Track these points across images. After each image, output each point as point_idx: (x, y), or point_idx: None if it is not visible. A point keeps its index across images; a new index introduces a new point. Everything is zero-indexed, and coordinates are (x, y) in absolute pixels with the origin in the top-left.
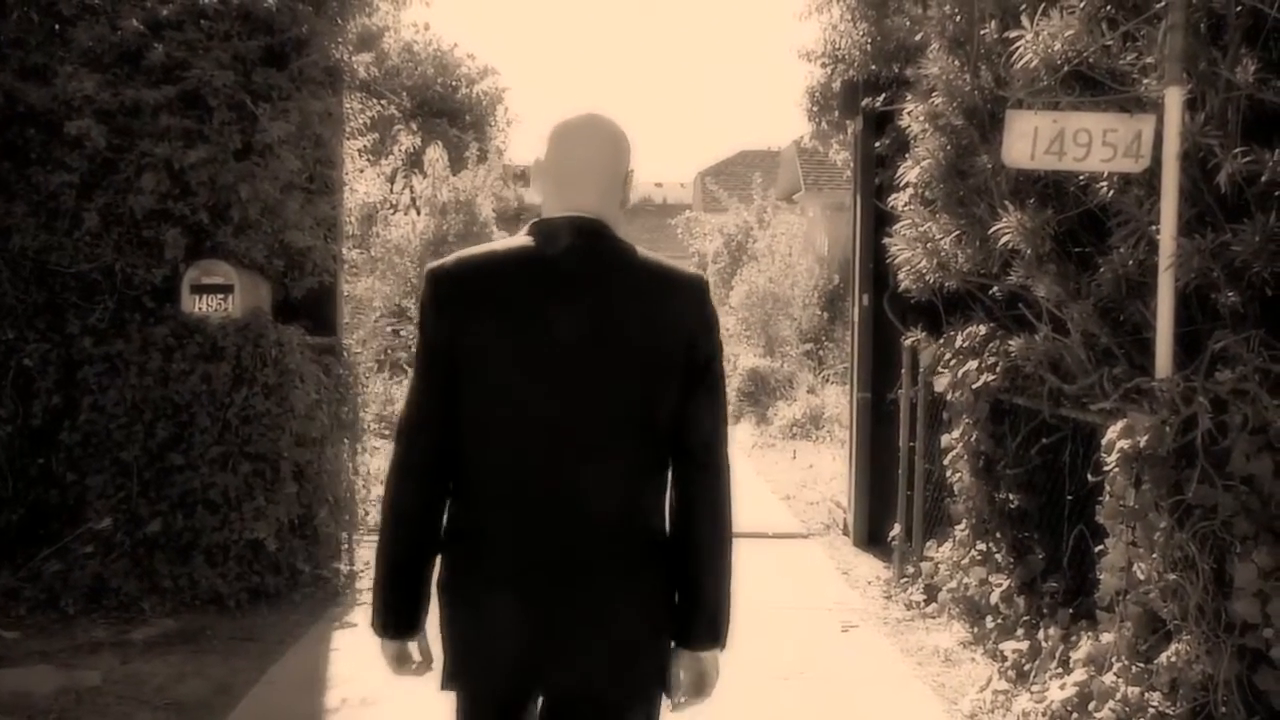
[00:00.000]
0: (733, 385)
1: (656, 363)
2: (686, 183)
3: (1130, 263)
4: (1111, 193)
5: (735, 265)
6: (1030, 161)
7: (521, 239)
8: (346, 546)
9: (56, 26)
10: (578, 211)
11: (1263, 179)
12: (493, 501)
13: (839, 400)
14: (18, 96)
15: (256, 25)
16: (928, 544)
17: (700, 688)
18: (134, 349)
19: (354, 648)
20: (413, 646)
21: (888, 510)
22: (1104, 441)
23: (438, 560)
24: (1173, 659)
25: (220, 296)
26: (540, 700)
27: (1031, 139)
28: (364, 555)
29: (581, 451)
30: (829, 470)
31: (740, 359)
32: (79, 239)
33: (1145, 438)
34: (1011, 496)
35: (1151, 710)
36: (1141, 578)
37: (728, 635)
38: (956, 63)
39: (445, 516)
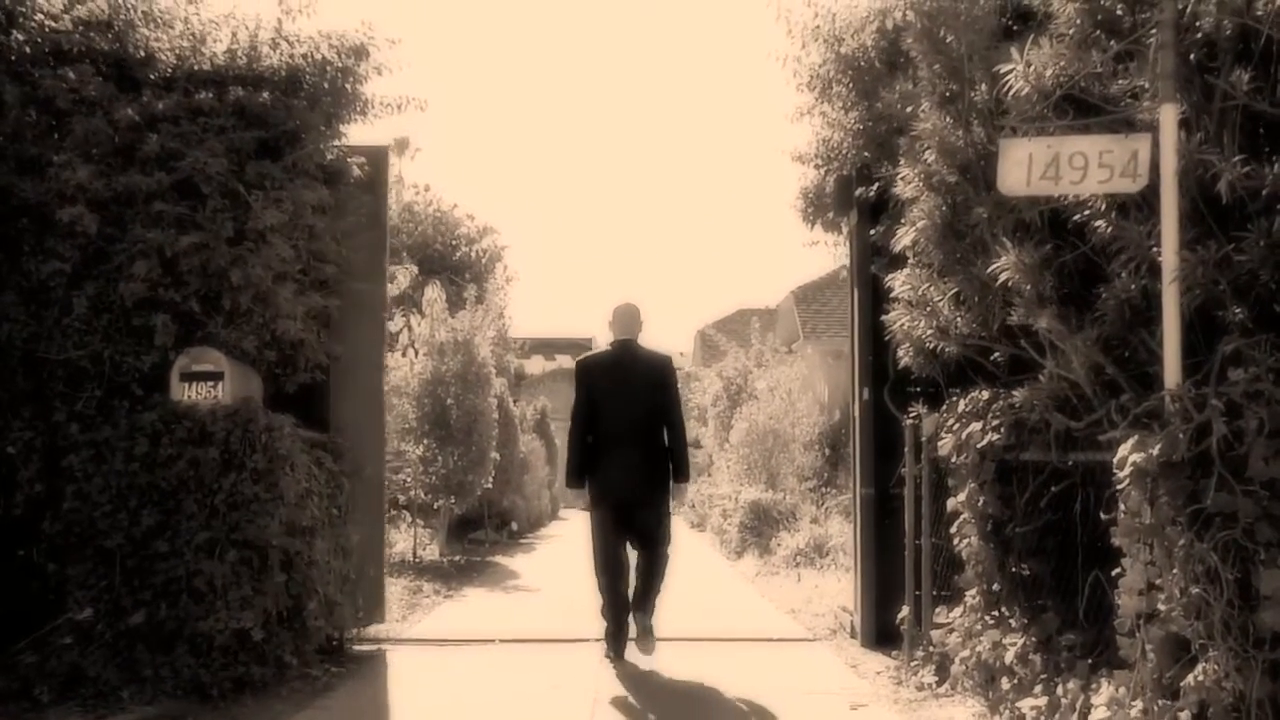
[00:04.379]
0: (734, 521)
1: (652, 391)
2: (686, 351)
3: (1133, 288)
4: (1110, 228)
5: (734, 408)
6: (1026, 188)
7: (606, 349)
8: (337, 642)
9: (53, 121)
10: (624, 337)
11: (1264, 192)
12: (602, 439)
13: (843, 529)
14: (13, 190)
15: (251, 120)
16: (937, 610)
17: (682, 498)
18: (121, 434)
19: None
20: (581, 492)
21: (895, 607)
22: (1116, 459)
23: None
24: (1200, 678)
25: (210, 384)
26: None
27: (1026, 166)
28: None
29: (633, 423)
30: (834, 589)
31: (742, 494)
32: (68, 327)
33: (1158, 446)
34: (1023, 564)
35: None
36: (1162, 597)
37: (690, 476)
38: (949, 119)
39: (590, 450)
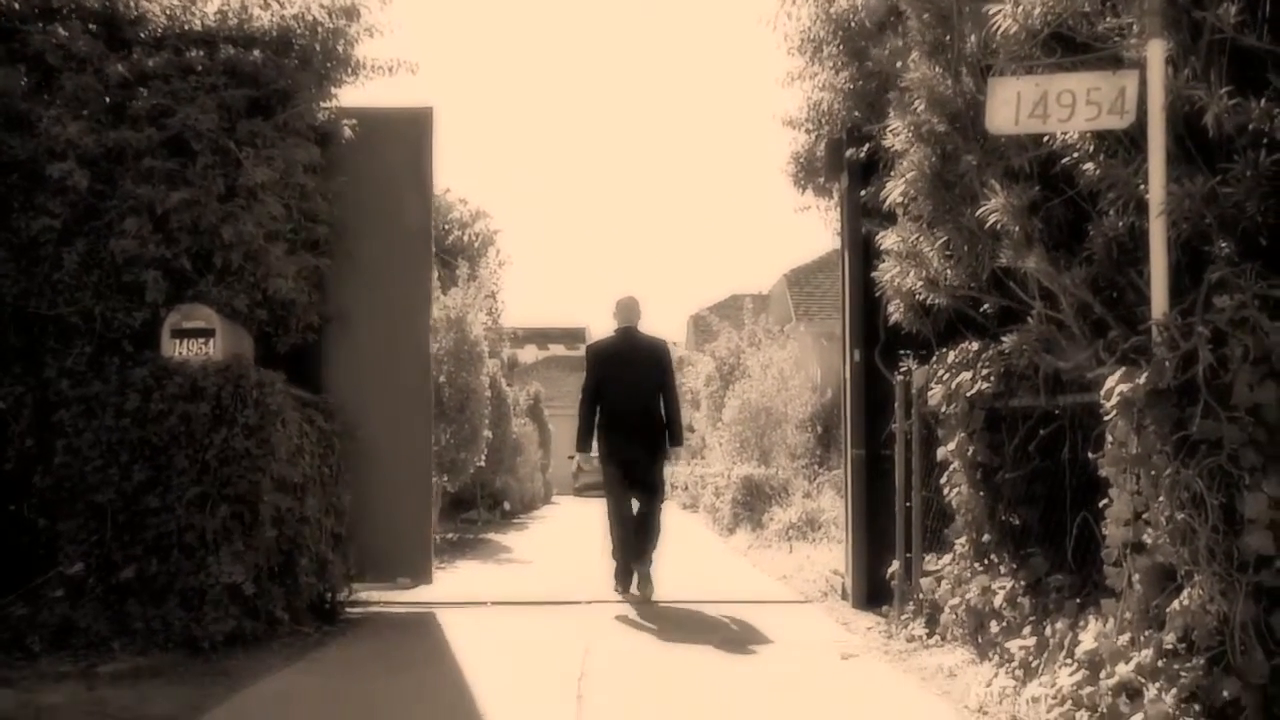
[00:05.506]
0: (727, 498)
1: (651, 371)
2: (679, 339)
3: (1120, 225)
4: (1098, 170)
5: (726, 388)
6: (1015, 126)
7: (612, 336)
8: (329, 606)
9: (42, 78)
10: (626, 324)
11: (1250, 126)
12: (609, 411)
13: (835, 503)
14: (2, 146)
15: (242, 79)
16: (927, 558)
17: (677, 456)
18: (111, 390)
19: (339, 672)
20: (586, 457)
21: (886, 569)
22: (1103, 390)
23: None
24: (1185, 603)
25: (201, 341)
26: (627, 465)
27: (1015, 104)
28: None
29: (635, 398)
30: (827, 559)
31: (734, 470)
32: (58, 283)
33: (1145, 375)
34: (1013, 513)
35: (1165, 670)
36: (1149, 530)
37: (683, 441)
38: (938, 69)
39: (598, 417)
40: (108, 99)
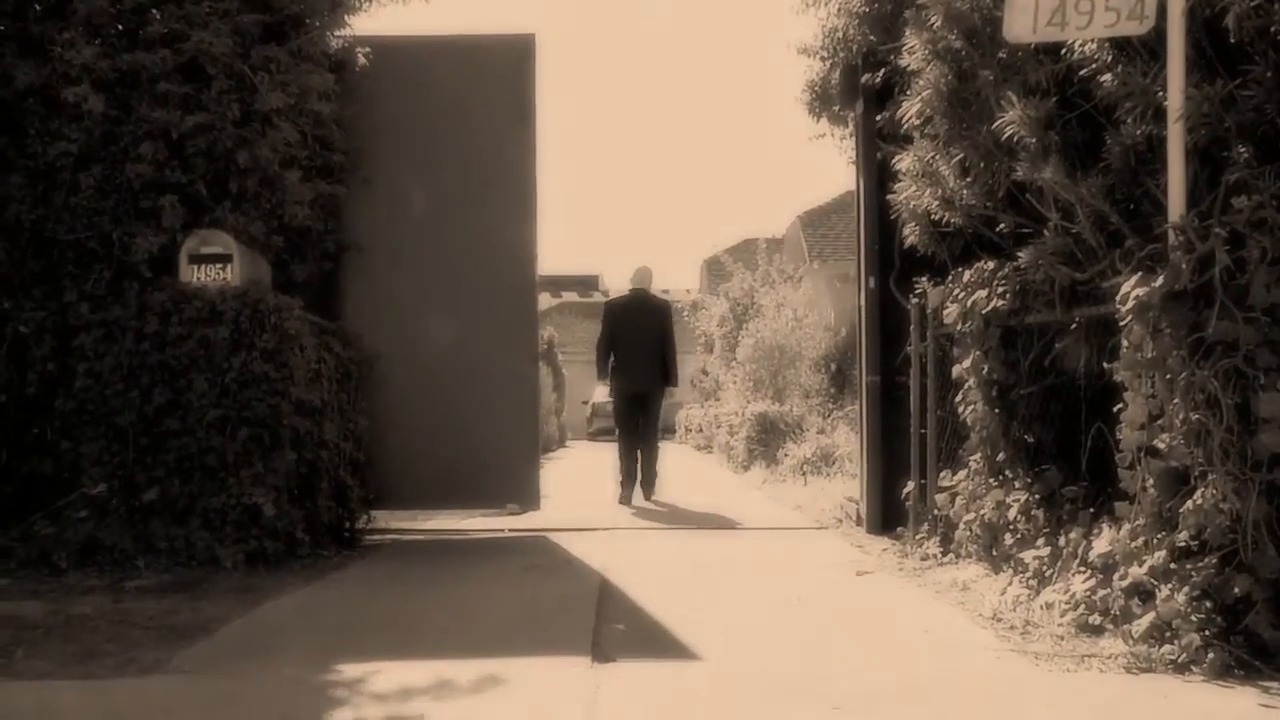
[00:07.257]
0: (741, 435)
1: (656, 325)
2: (692, 287)
3: (1138, 134)
4: (1116, 81)
5: (740, 328)
6: (1033, 34)
7: (626, 295)
8: (349, 533)
9: (55, 2)
10: (638, 286)
11: (1271, 30)
12: (621, 355)
13: (849, 438)
14: (16, 71)
15: (255, 3)
16: (942, 474)
17: (670, 393)
18: (131, 314)
19: (360, 589)
20: (606, 385)
21: (900, 494)
22: (1119, 295)
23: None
24: (1198, 502)
25: (219, 266)
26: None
27: (1033, 12)
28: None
29: (644, 347)
30: (841, 490)
31: (749, 407)
32: (76, 208)
33: (1161, 278)
34: (1027, 431)
35: (1178, 570)
36: (1163, 436)
37: (677, 383)
38: None
39: (610, 361)
40: (120, 24)
